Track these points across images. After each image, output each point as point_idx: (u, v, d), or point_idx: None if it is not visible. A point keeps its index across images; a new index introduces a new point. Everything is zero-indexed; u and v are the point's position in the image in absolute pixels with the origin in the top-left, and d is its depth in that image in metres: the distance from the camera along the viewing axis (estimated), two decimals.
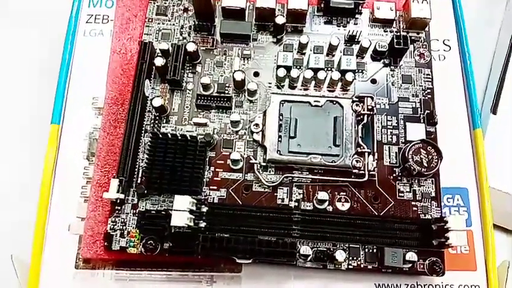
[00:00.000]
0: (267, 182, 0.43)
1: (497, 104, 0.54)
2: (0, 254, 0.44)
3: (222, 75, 0.47)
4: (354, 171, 0.43)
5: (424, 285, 0.43)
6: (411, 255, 0.41)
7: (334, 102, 0.45)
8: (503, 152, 0.52)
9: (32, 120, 0.54)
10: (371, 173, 0.43)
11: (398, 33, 0.47)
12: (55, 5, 0.55)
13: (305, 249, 0.41)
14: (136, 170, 0.44)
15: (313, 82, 0.47)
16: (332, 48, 0.47)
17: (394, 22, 0.49)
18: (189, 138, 0.43)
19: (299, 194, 0.43)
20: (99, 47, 0.50)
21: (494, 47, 0.60)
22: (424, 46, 0.49)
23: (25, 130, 0.55)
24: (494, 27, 0.61)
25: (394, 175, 0.44)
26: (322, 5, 0.49)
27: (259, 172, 0.44)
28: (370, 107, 0.45)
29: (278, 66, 0.47)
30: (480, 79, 0.57)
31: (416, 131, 0.46)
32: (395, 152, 0.45)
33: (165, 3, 0.50)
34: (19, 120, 0.56)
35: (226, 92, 0.46)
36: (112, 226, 0.42)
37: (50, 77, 0.49)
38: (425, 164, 0.43)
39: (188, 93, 0.46)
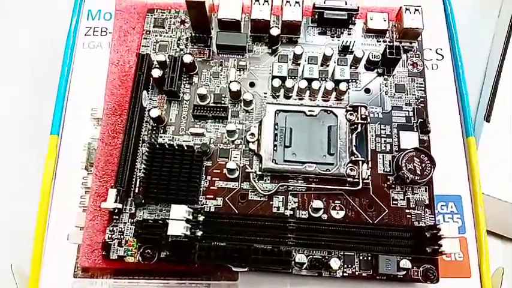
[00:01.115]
0: (262, 190, 0.44)
1: (491, 112, 0.55)
2: (0, 263, 0.44)
3: (218, 86, 0.48)
4: (348, 179, 0.44)
5: None
6: (405, 263, 0.42)
7: (329, 112, 0.46)
8: (497, 159, 0.53)
9: (31, 130, 0.55)
10: (365, 181, 0.44)
11: (391, 43, 0.48)
12: (55, 17, 0.56)
13: (300, 257, 0.42)
14: (134, 179, 0.45)
15: (307, 92, 0.48)
16: (326, 59, 0.48)
17: (387, 32, 0.50)
18: (185, 148, 0.44)
19: (294, 202, 0.44)
20: (98, 58, 0.51)
21: (487, 55, 0.60)
22: (416, 55, 0.49)
23: (25, 140, 0.56)
24: (487, 35, 0.61)
25: (388, 183, 0.45)
26: (316, 16, 0.50)
27: (255, 181, 0.44)
28: (364, 116, 0.45)
29: (273, 77, 0.47)
30: (474, 87, 0.57)
31: (409, 140, 0.46)
32: (389, 161, 0.46)
33: (163, 15, 0.51)
34: (19, 130, 0.57)
35: (223, 102, 0.47)
36: (110, 235, 0.43)
37: (50, 88, 0.50)
38: (419, 172, 0.44)
39: (185, 103, 0.47)
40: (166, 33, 0.50)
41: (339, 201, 0.44)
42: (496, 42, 0.60)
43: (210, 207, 0.44)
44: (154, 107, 0.46)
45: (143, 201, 0.43)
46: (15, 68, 0.60)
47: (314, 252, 0.43)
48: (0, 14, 0.63)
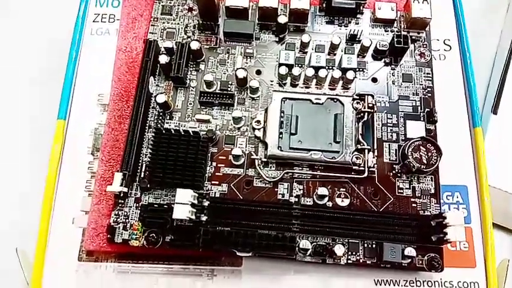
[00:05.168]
0: (267, 177, 0.44)
1: (498, 104, 0.54)
2: (6, 246, 0.45)
3: (225, 73, 0.48)
4: (354, 167, 0.44)
5: (423, 281, 0.43)
6: (410, 251, 0.42)
7: (335, 100, 0.46)
8: (503, 151, 0.52)
9: (39, 115, 0.55)
10: (371, 169, 0.44)
11: (399, 33, 0.48)
12: (64, 4, 0.56)
13: (304, 243, 0.42)
14: (139, 164, 0.45)
15: (314, 80, 0.47)
16: (333, 47, 0.48)
17: (395, 22, 0.50)
18: (191, 134, 0.44)
19: (299, 189, 0.44)
20: (105, 45, 0.51)
21: (495, 47, 0.60)
22: (424, 45, 0.49)
23: (32, 125, 0.56)
24: (496, 27, 0.61)
25: (394, 172, 0.45)
26: (324, 5, 0.50)
27: (260, 168, 0.44)
28: (370, 105, 0.45)
29: (280, 65, 0.47)
30: (481, 79, 0.57)
31: (416, 129, 0.46)
32: (395, 149, 0.45)
33: (170, 2, 0.51)
34: (27, 115, 0.57)
35: (229, 89, 0.47)
36: (115, 219, 0.43)
37: (57, 73, 0.50)
38: (425, 161, 0.44)
39: (192, 90, 0.47)
40: (173, 20, 0.50)
41: (344, 189, 0.44)
42: (505, 34, 0.60)
43: (215, 192, 0.44)
44: (161, 93, 0.46)
45: (149, 185, 0.43)
46: (23, 54, 0.60)
47: (318, 238, 0.42)
48: (9, 0, 0.64)
